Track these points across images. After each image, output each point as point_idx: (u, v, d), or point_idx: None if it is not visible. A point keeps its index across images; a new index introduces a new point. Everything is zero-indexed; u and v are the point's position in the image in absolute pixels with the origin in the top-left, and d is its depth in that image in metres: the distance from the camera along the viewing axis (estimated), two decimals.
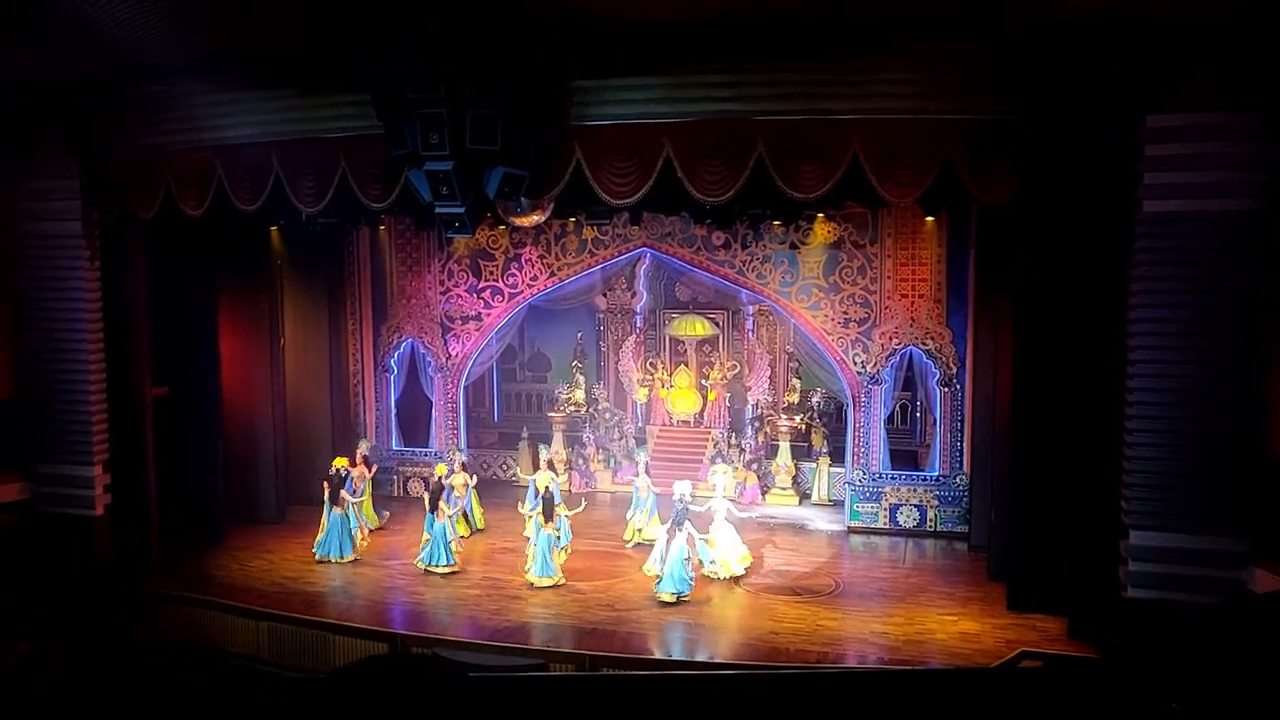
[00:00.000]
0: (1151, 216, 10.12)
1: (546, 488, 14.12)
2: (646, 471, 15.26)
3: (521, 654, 11.33)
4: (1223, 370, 10.03)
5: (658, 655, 11.29)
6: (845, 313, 16.32)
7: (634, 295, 19.74)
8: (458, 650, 11.42)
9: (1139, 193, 10.15)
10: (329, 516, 14.44)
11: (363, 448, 16.25)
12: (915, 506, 16.00)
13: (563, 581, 13.25)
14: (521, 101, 10.81)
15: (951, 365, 15.78)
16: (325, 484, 14.53)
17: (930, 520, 15.92)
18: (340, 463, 15.04)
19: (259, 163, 12.51)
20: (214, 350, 15.52)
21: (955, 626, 11.92)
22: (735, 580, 13.29)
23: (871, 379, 16.14)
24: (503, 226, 16.80)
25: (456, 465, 15.86)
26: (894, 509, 16.06)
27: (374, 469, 16.28)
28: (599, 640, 11.64)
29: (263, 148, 12.41)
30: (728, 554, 13.38)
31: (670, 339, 19.81)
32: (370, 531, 15.24)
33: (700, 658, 11.27)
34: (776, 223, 15.81)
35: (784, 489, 17.59)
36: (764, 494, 17.58)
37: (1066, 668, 9.75)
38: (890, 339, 16.06)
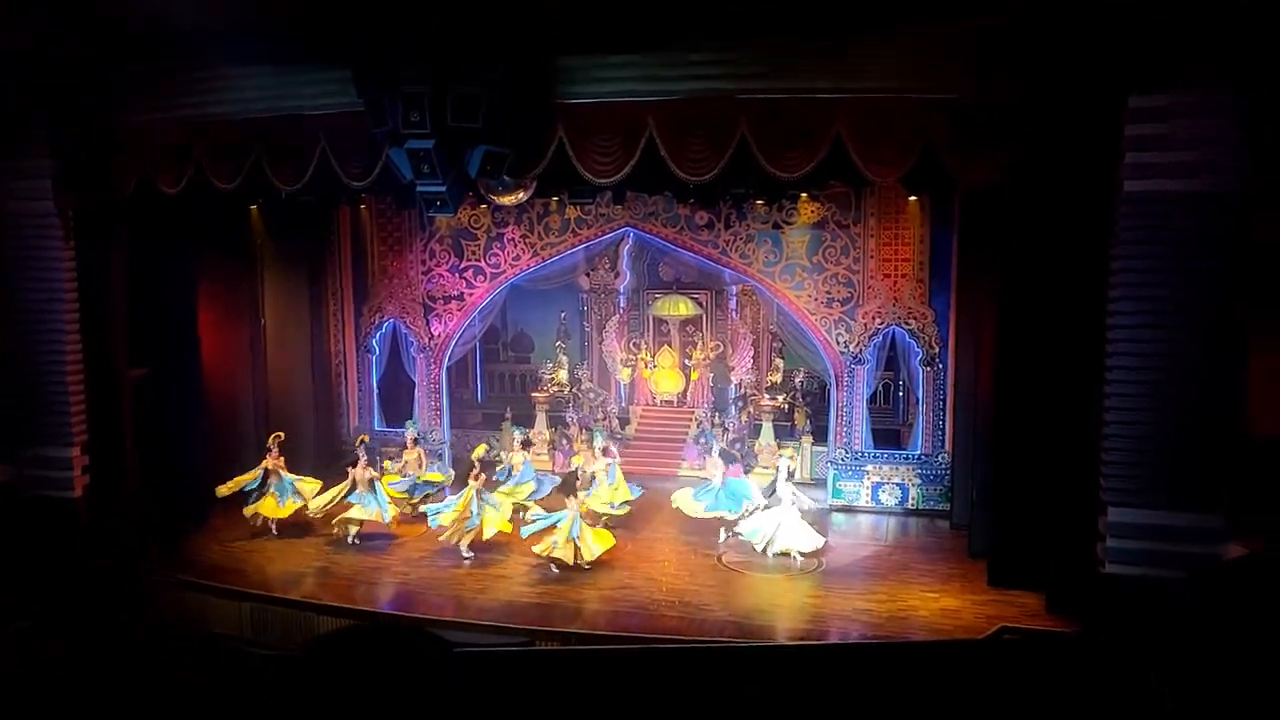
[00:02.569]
0: (1133, 196, 10.16)
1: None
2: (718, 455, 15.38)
3: (507, 633, 11.37)
4: (1202, 349, 10.09)
5: (643, 634, 11.33)
6: (828, 292, 16.35)
7: (617, 275, 19.70)
8: (444, 629, 11.43)
9: (1120, 173, 10.17)
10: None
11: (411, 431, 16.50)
12: (897, 485, 16.10)
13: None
14: (504, 79, 10.73)
15: (934, 345, 15.86)
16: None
17: (912, 499, 16.04)
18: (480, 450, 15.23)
19: (237, 141, 12.37)
20: (194, 330, 15.37)
21: (936, 603, 12.04)
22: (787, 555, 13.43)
23: (854, 358, 16.20)
24: (485, 205, 16.71)
25: (517, 443, 16.19)
26: (876, 487, 16.16)
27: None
28: (584, 619, 11.70)
29: (240, 125, 12.27)
30: (789, 536, 13.38)
31: (654, 319, 19.81)
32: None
33: (685, 635, 11.32)
34: (760, 202, 15.79)
35: (766, 468, 17.62)
36: (747, 473, 17.61)
37: (1041, 641, 9.87)
38: (873, 319, 16.11)
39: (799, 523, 13.42)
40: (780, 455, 14.84)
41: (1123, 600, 10.07)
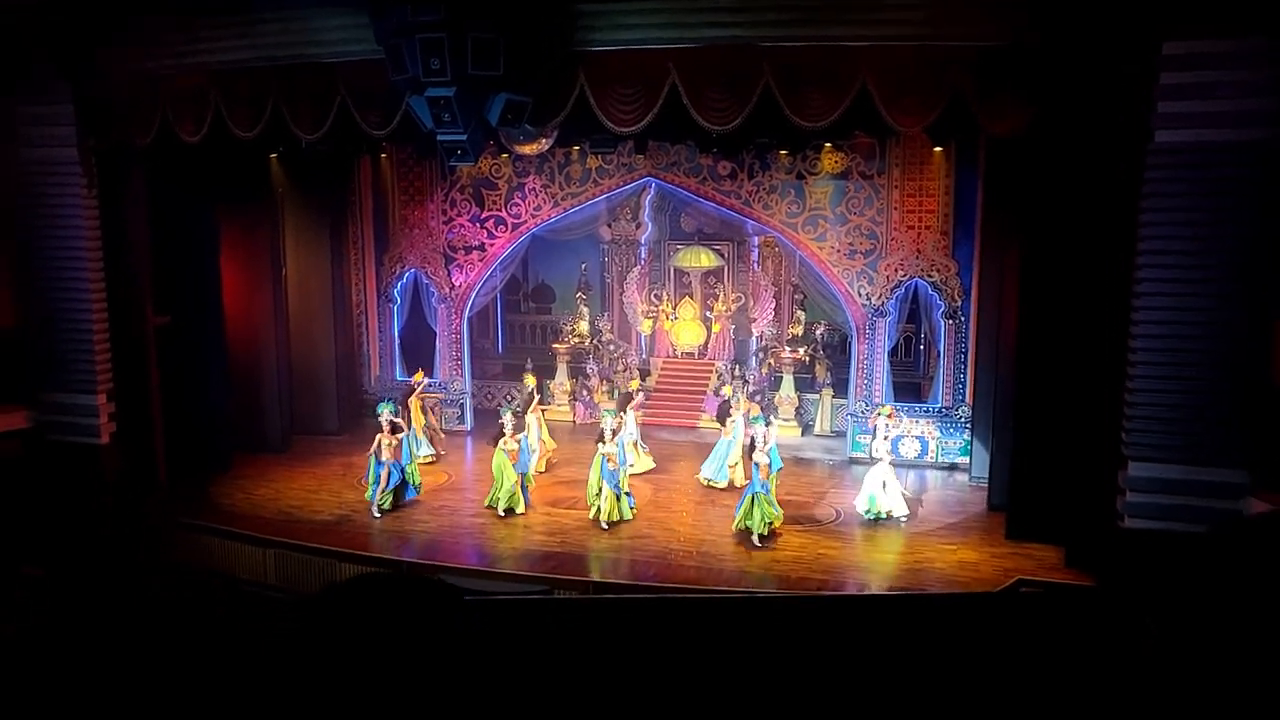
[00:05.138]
0: (1164, 146, 9.95)
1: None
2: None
3: (526, 581, 11.50)
4: (1229, 302, 9.96)
5: (661, 583, 11.43)
6: (851, 244, 16.20)
7: (639, 226, 19.60)
8: (464, 578, 11.58)
9: (1152, 122, 9.96)
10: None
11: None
12: (917, 438, 16.05)
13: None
14: (524, 25, 10.60)
15: (956, 298, 15.71)
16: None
17: (932, 451, 16.00)
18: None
19: (257, 89, 12.33)
20: (216, 279, 15.47)
21: (954, 556, 12.06)
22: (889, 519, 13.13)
23: (876, 311, 16.08)
24: (506, 155, 16.62)
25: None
26: (896, 440, 16.09)
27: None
28: (602, 569, 11.82)
29: (260, 73, 12.21)
30: (886, 495, 13.17)
31: (675, 270, 19.73)
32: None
33: (703, 585, 11.40)
34: (783, 152, 15.61)
35: (787, 420, 17.64)
36: (767, 425, 17.63)
37: (1059, 595, 9.86)
38: (896, 271, 15.96)
39: (896, 484, 13.25)
40: (879, 414, 14.22)
41: (1142, 555, 10.04)
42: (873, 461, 13.66)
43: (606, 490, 12.90)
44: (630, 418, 15.26)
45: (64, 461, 13.67)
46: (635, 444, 15.29)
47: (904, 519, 13.10)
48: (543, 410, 15.74)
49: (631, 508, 13.23)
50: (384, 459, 13.56)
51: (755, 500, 12.33)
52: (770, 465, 12.53)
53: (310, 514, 13.75)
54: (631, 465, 14.60)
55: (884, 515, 13.10)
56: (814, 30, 10.74)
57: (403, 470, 13.80)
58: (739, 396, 15.61)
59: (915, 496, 14.55)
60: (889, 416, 13.99)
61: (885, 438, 13.56)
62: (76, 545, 12.24)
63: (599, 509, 12.93)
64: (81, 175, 13.29)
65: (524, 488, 13.58)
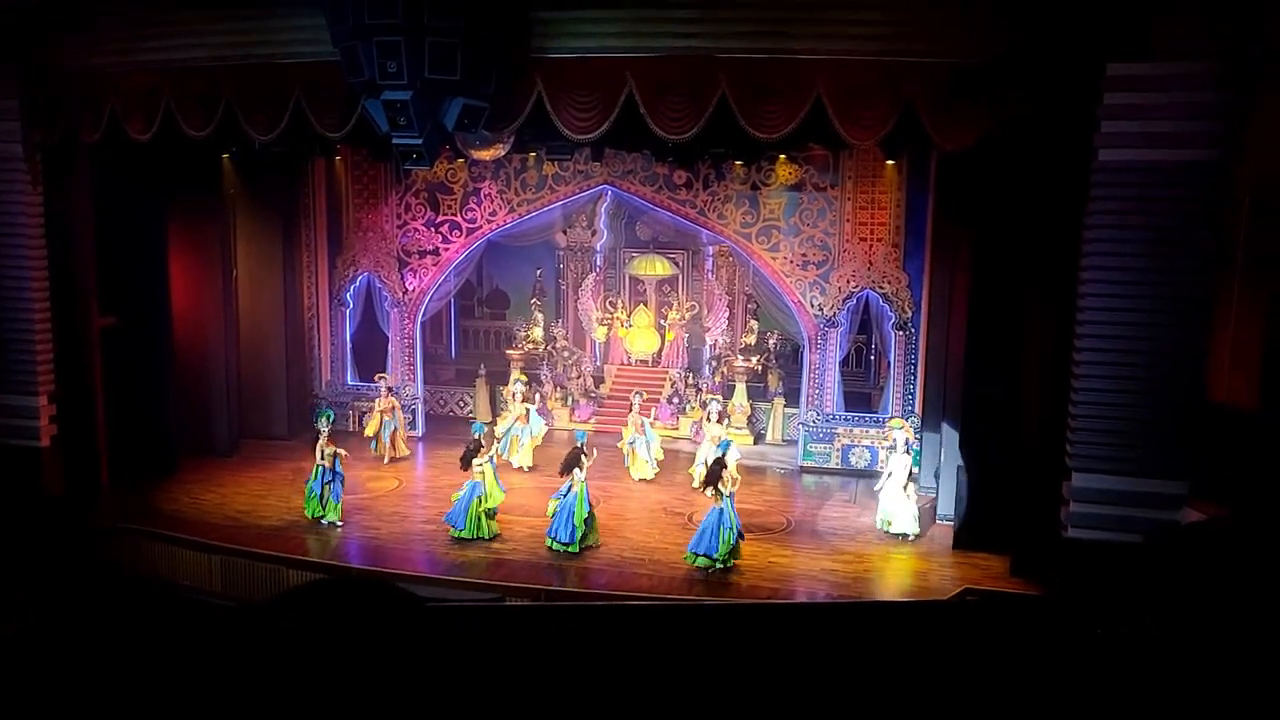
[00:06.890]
0: (1108, 165, 10.20)
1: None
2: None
3: (478, 589, 11.44)
4: (1170, 318, 10.22)
5: (613, 591, 11.43)
6: (804, 255, 16.36)
7: (594, 233, 19.61)
8: (414, 585, 11.50)
9: (1096, 141, 10.21)
10: None
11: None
12: (867, 448, 16.25)
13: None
14: (482, 30, 10.58)
15: (907, 309, 15.93)
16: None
17: (881, 461, 16.16)
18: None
19: (209, 88, 12.14)
20: (164, 279, 15.20)
21: (902, 565, 12.23)
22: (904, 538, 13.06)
23: (828, 321, 16.26)
24: (461, 160, 16.56)
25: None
26: (846, 450, 16.30)
27: None
28: (555, 576, 11.79)
29: (213, 72, 12.04)
30: (895, 510, 13.18)
31: (630, 278, 19.78)
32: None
33: (655, 593, 11.43)
34: (738, 163, 15.72)
35: (739, 429, 17.73)
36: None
37: (1003, 603, 10.05)
38: (848, 282, 16.14)
39: (907, 501, 13.15)
40: (893, 427, 13.94)
41: (1084, 564, 10.26)
42: (888, 477, 13.43)
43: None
44: (643, 423, 15.84)
45: (4, 465, 13.31)
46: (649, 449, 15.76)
47: (913, 537, 13.06)
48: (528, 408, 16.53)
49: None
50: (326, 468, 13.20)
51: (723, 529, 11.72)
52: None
53: (257, 519, 13.56)
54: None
55: (901, 534, 13.11)
56: (771, 43, 10.86)
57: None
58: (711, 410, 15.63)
59: (863, 505, 14.73)
60: (905, 429, 13.71)
61: (906, 452, 13.36)
62: (13, 551, 11.93)
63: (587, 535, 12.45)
64: (26, 171, 12.99)
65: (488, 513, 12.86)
